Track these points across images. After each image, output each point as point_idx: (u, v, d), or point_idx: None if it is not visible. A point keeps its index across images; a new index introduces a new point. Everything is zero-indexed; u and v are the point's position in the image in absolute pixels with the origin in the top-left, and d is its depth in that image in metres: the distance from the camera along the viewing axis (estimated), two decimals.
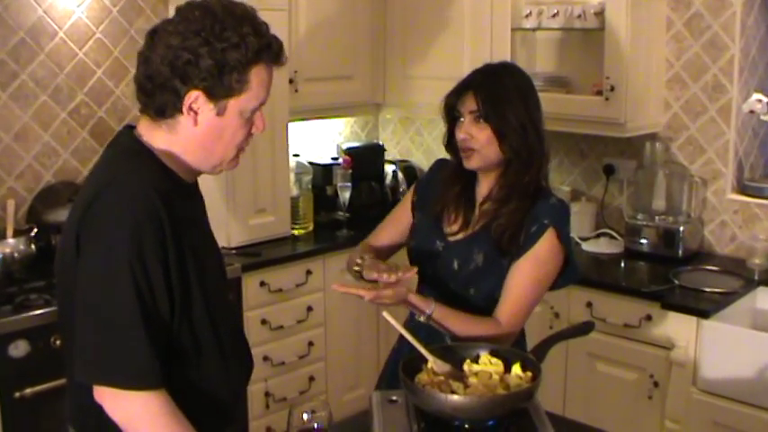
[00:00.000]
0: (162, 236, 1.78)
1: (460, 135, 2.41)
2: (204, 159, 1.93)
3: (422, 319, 2.29)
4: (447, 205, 2.51)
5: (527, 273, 2.36)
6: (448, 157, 2.57)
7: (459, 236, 2.47)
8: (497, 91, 2.39)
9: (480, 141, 2.37)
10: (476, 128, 2.38)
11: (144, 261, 1.75)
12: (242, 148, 1.95)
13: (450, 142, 2.49)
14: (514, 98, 2.38)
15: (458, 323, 2.31)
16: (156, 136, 1.90)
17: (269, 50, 1.87)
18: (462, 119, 2.41)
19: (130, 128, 1.96)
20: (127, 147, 1.92)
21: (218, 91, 1.83)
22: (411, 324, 2.39)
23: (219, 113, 1.86)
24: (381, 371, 2.74)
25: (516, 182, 2.39)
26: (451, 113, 2.45)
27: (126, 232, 1.75)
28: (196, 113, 1.85)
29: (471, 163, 2.42)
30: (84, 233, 1.79)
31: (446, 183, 2.53)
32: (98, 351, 1.77)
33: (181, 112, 1.85)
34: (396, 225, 2.68)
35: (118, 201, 1.78)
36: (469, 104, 2.39)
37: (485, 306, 2.39)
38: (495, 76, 2.45)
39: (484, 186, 2.48)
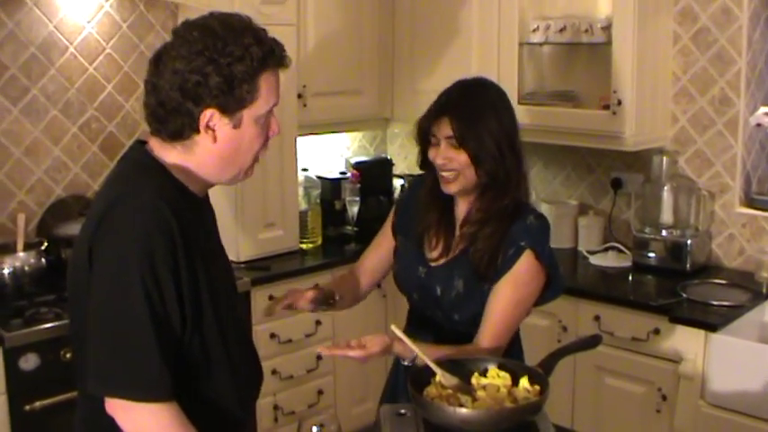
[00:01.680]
0: (173, 248, 1.80)
1: (438, 160, 2.37)
2: (222, 172, 1.95)
3: (405, 362, 2.26)
4: (427, 230, 2.49)
5: (506, 295, 2.33)
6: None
7: (441, 261, 2.45)
8: (472, 113, 2.34)
9: (460, 163, 2.33)
10: (453, 152, 2.34)
11: (155, 273, 1.77)
12: (258, 156, 1.97)
13: (425, 163, 2.45)
14: (489, 118, 2.34)
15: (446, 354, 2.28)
16: (168, 153, 1.92)
17: (273, 56, 1.90)
18: (439, 144, 2.37)
19: (141, 143, 1.98)
20: (138, 161, 1.94)
21: (231, 105, 1.85)
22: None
23: (236, 126, 1.88)
24: (384, 384, 2.74)
25: (493, 205, 2.37)
26: (426, 137, 2.41)
27: (137, 245, 1.76)
28: (214, 131, 1.87)
29: (451, 187, 2.38)
30: (97, 246, 1.81)
31: (425, 206, 2.50)
32: (110, 363, 1.78)
33: (197, 131, 1.87)
34: (378, 250, 2.68)
35: (129, 214, 1.80)
36: (445, 129, 2.34)
37: (469, 331, 2.37)
38: (468, 95, 2.40)
39: (462, 207, 2.45)
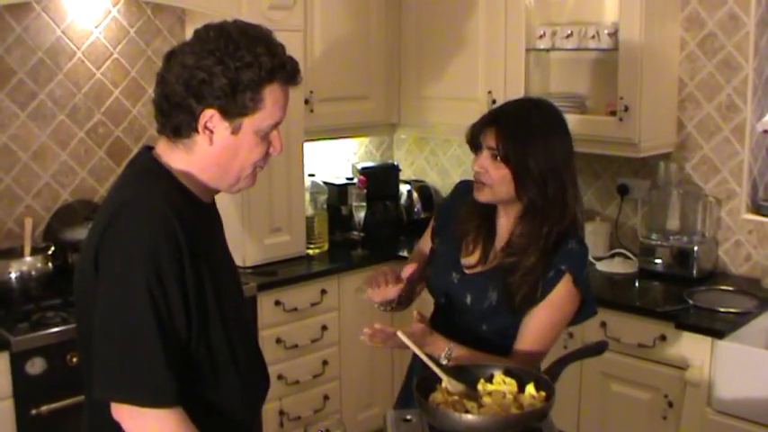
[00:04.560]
0: (179, 254, 1.80)
1: (475, 167, 2.36)
2: (219, 177, 1.94)
3: (444, 360, 2.24)
4: (466, 235, 2.47)
5: (543, 318, 2.32)
6: (466, 178, 2.54)
7: (477, 269, 2.44)
8: (521, 132, 2.30)
9: (493, 178, 2.32)
10: (491, 164, 2.31)
11: (161, 279, 1.77)
12: (259, 166, 1.97)
13: None
14: (537, 140, 2.29)
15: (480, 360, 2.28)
16: (174, 156, 1.92)
17: (283, 70, 1.89)
18: (481, 151, 2.36)
19: (149, 148, 1.99)
20: (145, 167, 1.94)
21: (233, 109, 1.85)
22: None
23: (234, 132, 1.88)
24: (399, 390, 2.74)
25: (533, 232, 2.33)
26: (475, 142, 2.39)
27: (143, 251, 1.77)
28: (211, 132, 1.87)
29: (481, 196, 2.37)
30: (103, 252, 1.81)
31: (468, 211, 2.48)
32: (116, 368, 1.78)
33: (197, 131, 1.87)
34: (421, 256, 2.64)
35: (135, 220, 1.80)
36: (489, 139, 2.32)
37: (496, 341, 2.37)
38: (523, 112, 2.37)
39: (504, 220, 2.43)
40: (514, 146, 2.29)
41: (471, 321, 2.41)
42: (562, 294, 2.32)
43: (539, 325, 2.33)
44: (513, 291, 2.33)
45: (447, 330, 2.41)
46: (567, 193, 2.33)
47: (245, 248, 3.96)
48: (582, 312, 2.41)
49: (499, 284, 2.36)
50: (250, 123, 1.88)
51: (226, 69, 1.82)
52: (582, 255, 2.37)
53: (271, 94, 1.88)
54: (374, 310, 4.28)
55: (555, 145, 2.33)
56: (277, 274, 3.93)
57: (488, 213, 2.45)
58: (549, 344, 2.37)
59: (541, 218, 2.32)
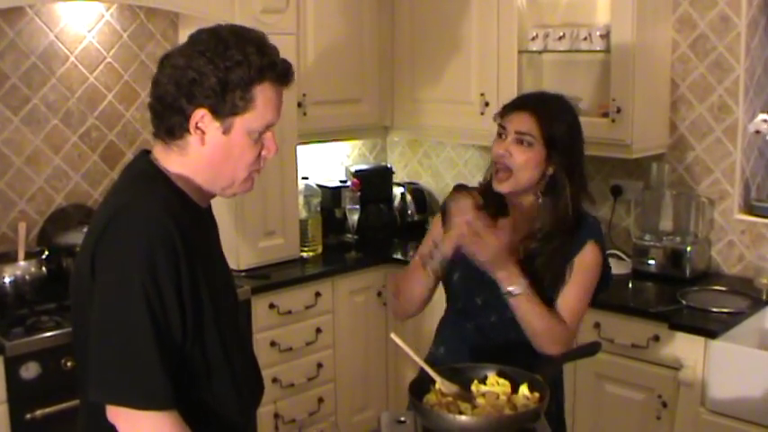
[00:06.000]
0: (175, 259, 1.80)
1: (499, 151, 2.40)
2: (213, 180, 1.94)
3: (513, 290, 2.31)
4: None
5: (577, 280, 2.40)
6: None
7: None
8: (552, 113, 2.43)
9: (517, 162, 2.38)
10: (516, 148, 2.38)
11: (157, 283, 1.77)
12: (254, 169, 1.97)
13: None
14: (563, 122, 2.44)
15: (539, 311, 2.34)
16: (170, 160, 1.93)
17: (273, 69, 1.89)
18: (504, 136, 2.41)
19: (147, 152, 1.99)
20: (142, 171, 1.94)
21: (223, 109, 1.86)
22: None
23: (226, 132, 1.88)
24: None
25: (553, 218, 2.42)
26: (498, 128, 2.46)
27: (140, 255, 1.77)
28: (203, 132, 1.88)
29: (503, 187, 2.41)
30: (100, 256, 1.82)
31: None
32: (112, 371, 1.78)
33: (189, 131, 1.88)
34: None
35: (132, 224, 1.80)
36: (519, 124, 2.39)
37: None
38: (548, 99, 2.50)
39: (516, 215, 2.46)
40: (550, 124, 2.40)
41: (510, 313, 2.40)
42: (589, 258, 2.42)
43: (576, 295, 2.41)
44: (539, 275, 2.39)
45: (479, 330, 2.47)
46: (583, 170, 2.51)
47: (238, 252, 3.96)
48: (601, 285, 2.49)
49: (528, 273, 2.38)
50: (241, 123, 1.88)
51: (216, 69, 1.83)
52: (599, 226, 2.51)
53: (262, 93, 1.88)
54: (368, 313, 4.31)
55: (578, 127, 2.49)
56: (271, 277, 3.93)
57: (498, 213, 2.46)
58: (584, 307, 2.45)
59: (557, 198, 2.42)
